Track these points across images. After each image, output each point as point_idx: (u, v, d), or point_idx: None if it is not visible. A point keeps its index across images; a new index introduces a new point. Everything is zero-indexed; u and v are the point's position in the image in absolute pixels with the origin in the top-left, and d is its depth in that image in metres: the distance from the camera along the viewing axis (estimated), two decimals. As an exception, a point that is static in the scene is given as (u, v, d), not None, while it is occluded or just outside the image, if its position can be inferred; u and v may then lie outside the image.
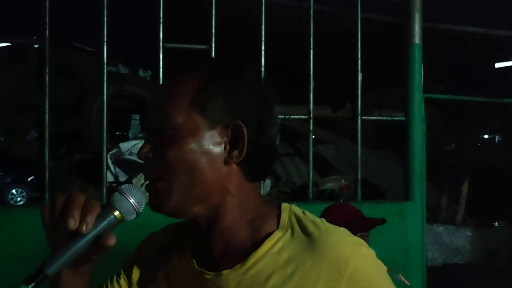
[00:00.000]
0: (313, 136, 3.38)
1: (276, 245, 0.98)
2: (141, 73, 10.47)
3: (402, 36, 3.40)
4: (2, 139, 17.67)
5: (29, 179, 13.26)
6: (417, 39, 3.38)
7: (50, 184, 2.97)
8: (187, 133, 0.96)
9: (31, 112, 13.59)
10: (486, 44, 5.17)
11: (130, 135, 7.77)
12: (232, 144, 0.98)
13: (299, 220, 1.01)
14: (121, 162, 4.38)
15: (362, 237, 2.34)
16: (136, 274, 1.11)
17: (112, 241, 0.89)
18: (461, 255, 5.50)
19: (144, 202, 0.94)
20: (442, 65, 5.45)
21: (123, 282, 1.11)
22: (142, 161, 1.02)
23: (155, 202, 0.98)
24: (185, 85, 0.99)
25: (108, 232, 0.90)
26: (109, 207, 0.92)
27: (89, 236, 0.88)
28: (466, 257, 5.56)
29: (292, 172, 5.59)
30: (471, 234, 5.69)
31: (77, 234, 0.87)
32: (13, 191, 13.50)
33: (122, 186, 0.94)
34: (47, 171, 3.00)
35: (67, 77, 12.86)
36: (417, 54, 3.37)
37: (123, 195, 0.92)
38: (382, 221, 2.45)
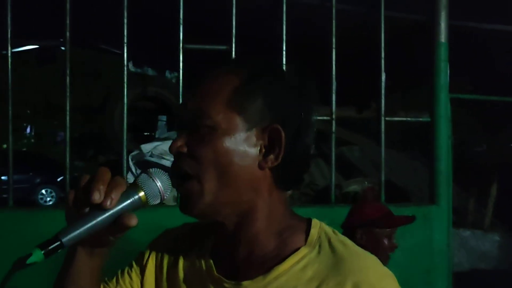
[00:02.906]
0: (337, 138, 3.32)
1: (301, 262, 0.94)
2: (167, 74, 10.53)
3: (428, 35, 3.32)
4: (32, 140, 18.01)
5: (58, 180, 13.47)
6: (443, 38, 3.29)
7: (77, 183, 2.97)
8: (223, 132, 0.93)
9: (60, 114, 13.82)
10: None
11: (156, 136, 7.81)
12: (268, 148, 0.95)
13: (328, 239, 0.97)
14: (143, 163, 4.38)
15: (389, 233, 2.33)
16: (150, 268, 1.08)
17: (133, 221, 0.86)
18: (489, 261, 5.35)
19: (170, 188, 0.91)
20: (470, 65, 5.34)
21: (134, 275, 1.08)
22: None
23: (186, 203, 0.95)
24: (224, 83, 0.96)
25: (130, 212, 0.87)
26: (134, 187, 0.89)
27: (111, 213, 0.86)
28: (494, 263, 5.41)
29: (315, 174, 5.53)
30: (499, 239, 5.53)
31: (100, 209, 0.85)
32: (43, 191, 13.75)
33: (150, 169, 0.91)
34: (67, 172, 3.01)
35: (93, 79, 13.02)
36: (443, 53, 3.28)
37: (150, 177, 0.90)
38: (411, 219, 2.45)
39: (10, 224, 2.91)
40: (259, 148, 0.95)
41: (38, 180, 13.75)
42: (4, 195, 4.01)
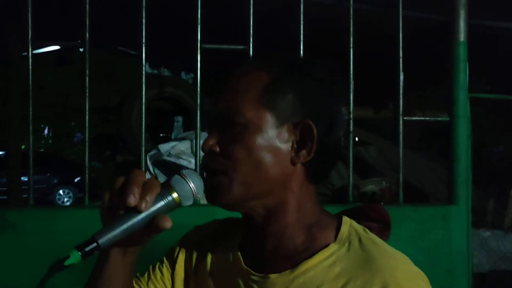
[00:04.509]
0: (355, 138, 3.31)
1: (330, 258, 0.94)
2: (183, 75, 10.57)
3: (447, 34, 3.29)
4: (50, 141, 18.17)
5: (75, 180, 13.61)
6: (462, 37, 3.26)
7: (94, 184, 2.99)
8: (255, 129, 0.94)
9: (77, 115, 13.94)
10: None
11: (173, 137, 7.83)
12: (300, 143, 0.96)
13: (359, 237, 0.97)
14: (160, 163, 4.39)
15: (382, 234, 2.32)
16: (180, 263, 1.10)
17: (168, 223, 0.87)
18: (510, 262, 5.27)
19: (203, 189, 0.93)
20: (489, 64, 5.29)
21: (165, 270, 1.10)
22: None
23: (214, 193, 0.96)
24: (255, 79, 0.97)
25: (164, 214, 0.88)
26: (168, 189, 0.90)
27: (146, 215, 0.87)
28: (515, 264, 5.34)
29: (331, 174, 5.50)
30: (520, 240, 5.46)
31: (135, 211, 0.86)
32: (60, 191, 13.90)
33: (182, 170, 0.92)
34: (86, 172, 3.03)
35: (110, 80, 13.11)
36: (462, 52, 3.25)
37: (183, 178, 0.91)
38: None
39: (31, 223, 2.94)
40: (291, 144, 0.96)
41: (55, 181, 13.91)
42: (24, 195, 4.06)
